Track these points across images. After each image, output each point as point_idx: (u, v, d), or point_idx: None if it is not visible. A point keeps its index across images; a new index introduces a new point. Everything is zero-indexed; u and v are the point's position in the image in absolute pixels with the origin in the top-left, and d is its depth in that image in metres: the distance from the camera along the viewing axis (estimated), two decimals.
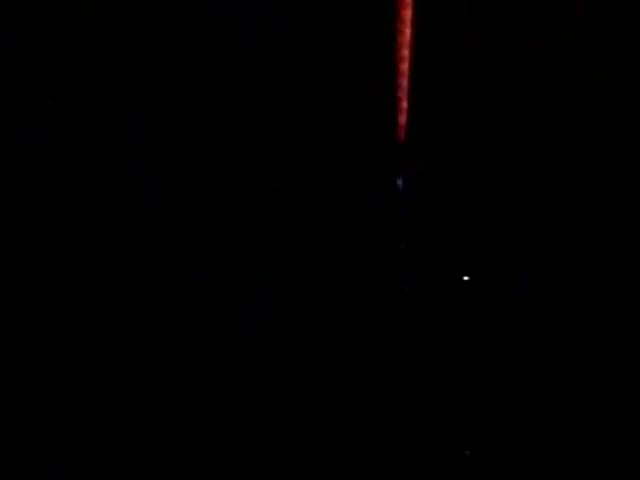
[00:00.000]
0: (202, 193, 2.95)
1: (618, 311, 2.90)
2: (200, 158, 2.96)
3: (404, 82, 2.78)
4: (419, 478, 2.84)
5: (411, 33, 2.74)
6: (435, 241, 2.95)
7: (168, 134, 2.95)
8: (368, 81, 2.82)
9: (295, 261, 2.94)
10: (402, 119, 2.77)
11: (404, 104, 2.77)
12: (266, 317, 2.92)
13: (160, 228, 2.95)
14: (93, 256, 2.92)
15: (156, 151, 2.95)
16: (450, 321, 2.92)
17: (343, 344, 2.92)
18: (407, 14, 2.70)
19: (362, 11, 2.81)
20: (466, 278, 2.83)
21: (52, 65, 2.93)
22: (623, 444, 2.80)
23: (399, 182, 2.89)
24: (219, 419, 2.87)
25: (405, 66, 2.75)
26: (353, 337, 2.92)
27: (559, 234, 2.92)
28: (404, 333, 2.92)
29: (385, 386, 2.90)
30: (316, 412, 2.88)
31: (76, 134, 2.94)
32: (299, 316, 2.91)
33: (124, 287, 2.92)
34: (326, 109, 2.84)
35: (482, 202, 2.91)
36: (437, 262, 2.94)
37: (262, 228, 2.95)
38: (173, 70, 2.95)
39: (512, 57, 2.85)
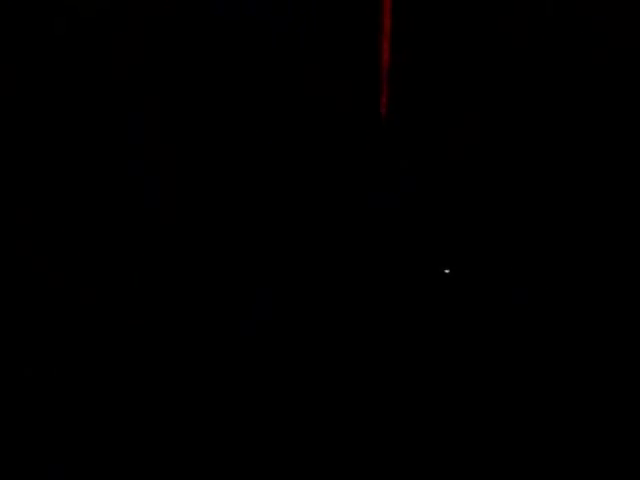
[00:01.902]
0: (202, 193, 2.96)
1: (615, 309, 2.90)
2: (200, 158, 2.97)
3: (385, 77, 2.80)
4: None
5: (390, 29, 2.77)
6: (428, 237, 2.95)
7: (168, 134, 2.96)
8: (358, 78, 2.84)
9: (295, 260, 2.95)
10: (383, 112, 2.79)
11: (384, 99, 2.80)
12: (266, 317, 2.92)
13: (160, 228, 2.95)
14: (93, 256, 2.93)
15: (156, 151, 2.95)
16: (449, 319, 2.92)
17: (342, 344, 2.92)
18: (387, 10, 2.74)
19: (351, 17, 2.83)
20: (447, 271, 2.84)
21: (52, 65, 2.94)
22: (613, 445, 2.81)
23: (389, 178, 2.90)
24: (219, 419, 2.88)
25: (386, 64, 2.78)
26: (352, 336, 2.92)
27: (557, 230, 2.93)
28: (402, 331, 2.92)
29: (383, 388, 2.91)
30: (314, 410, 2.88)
31: (76, 134, 2.95)
32: (299, 316, 2.92)
33: (124, 287, 2.92)
34: (320, 106, 2.85)
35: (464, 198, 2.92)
36: (433, 258, 2.95)
37: (262, 226, 2.95)
38: (173, 70, 2.96)
39: (486, 52, 2.86)
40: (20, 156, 2.94)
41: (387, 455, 2.88)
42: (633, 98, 2.92)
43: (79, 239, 2.93)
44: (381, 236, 2.96)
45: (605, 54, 2.91)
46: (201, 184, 2.97)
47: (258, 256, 2.96)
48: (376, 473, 2.86)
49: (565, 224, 2.94)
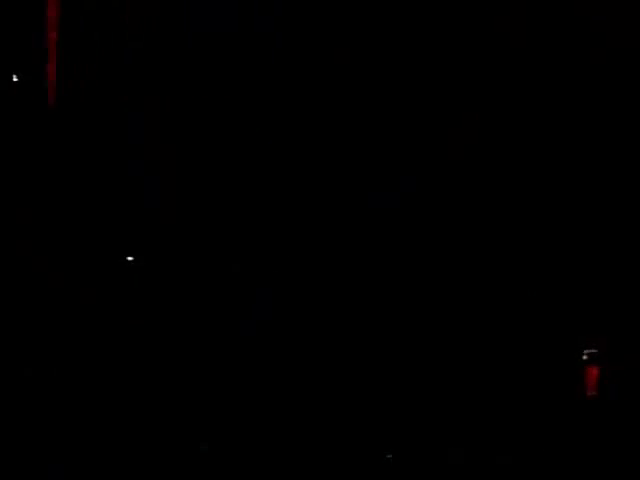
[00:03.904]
0: (202, 193, 2.95)
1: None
2: (200, 158, 2.96)
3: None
4: None
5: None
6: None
7: (168, 134, 2.96)
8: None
9: (294, 259, 2.94)
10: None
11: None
12: (266, 317, 2.92)
13: (160, 228, 2.95)
14: (93, 256, 2.92)
15: (156, 151, 2.95)
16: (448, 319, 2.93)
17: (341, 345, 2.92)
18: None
19: None
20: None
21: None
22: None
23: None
24: (218, 417, 2.87)
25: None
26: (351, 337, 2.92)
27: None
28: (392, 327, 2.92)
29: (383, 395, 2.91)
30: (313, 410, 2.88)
31: (76, 134, 2.94)
32: (299, 316, 2.91)
33: (124, 287, 2.92)
34: None
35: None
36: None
37: (262, 225, 2.95)
38: (172, 70, 2.96)
39: None
40: (20, 156, 2.94)
41: (383, 451, 2.88)
42: (632, 98, 2.92)
43: (79, 239, 2.93)
44: (380, 236, 2.96)
45: (604, 54, 2.91)
46: (201, 184, 2.97)
47: (257, 254, 2.96)
48: (369, 466, 2.86)
49: (564, 222, 2.94)
